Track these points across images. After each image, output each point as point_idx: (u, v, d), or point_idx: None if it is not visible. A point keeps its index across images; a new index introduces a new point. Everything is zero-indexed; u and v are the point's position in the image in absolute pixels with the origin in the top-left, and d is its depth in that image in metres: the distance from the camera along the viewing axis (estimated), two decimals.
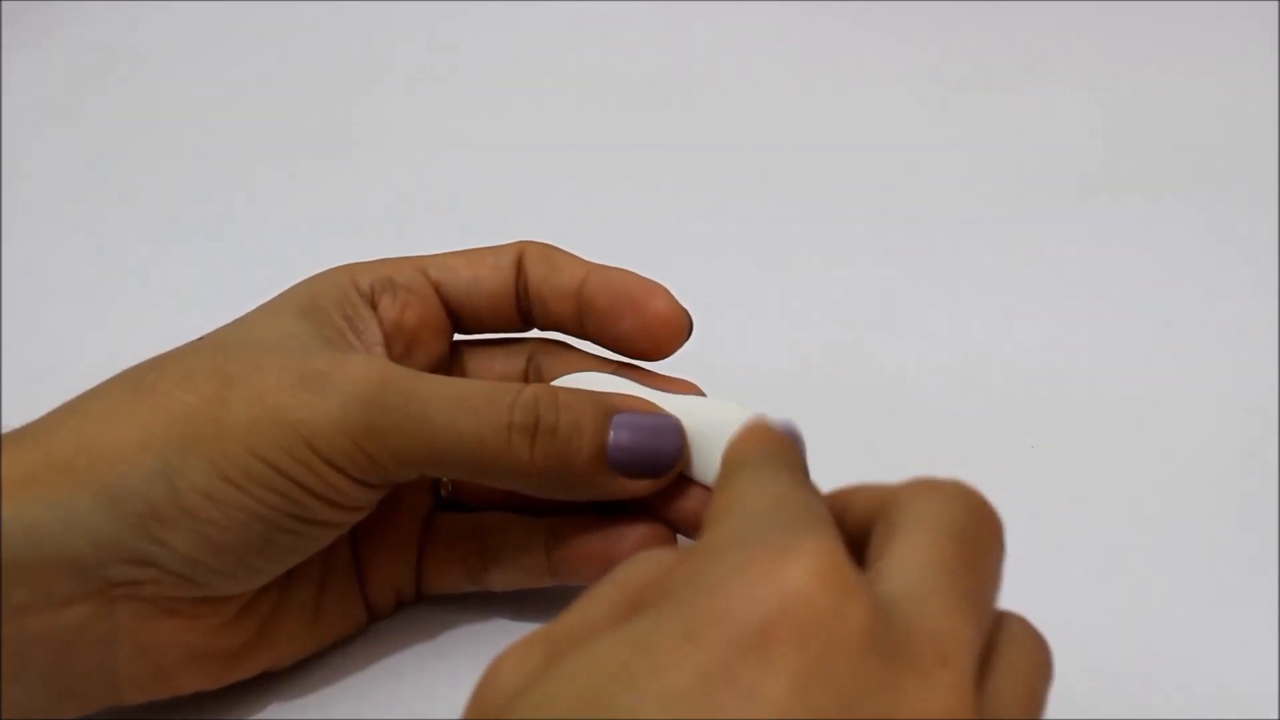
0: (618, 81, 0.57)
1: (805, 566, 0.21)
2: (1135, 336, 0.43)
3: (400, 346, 0.32)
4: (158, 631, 0.29)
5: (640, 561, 0.24)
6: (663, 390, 0.33)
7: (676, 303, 0.33)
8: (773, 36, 0.61)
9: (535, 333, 0.35)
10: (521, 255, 0.33)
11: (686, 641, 0.21)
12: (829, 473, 0.37)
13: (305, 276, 0.33)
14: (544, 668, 0.22)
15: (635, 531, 0.32)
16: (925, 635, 0.21)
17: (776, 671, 0.20)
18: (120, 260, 0.48)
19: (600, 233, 0.48)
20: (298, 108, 0.56)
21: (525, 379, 0.34)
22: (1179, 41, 0.58)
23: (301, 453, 0.28)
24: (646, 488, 0.31)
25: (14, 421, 0.30)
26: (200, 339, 0.31)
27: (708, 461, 0.32)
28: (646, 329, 0.33)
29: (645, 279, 0.33)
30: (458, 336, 0.34)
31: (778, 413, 0.34)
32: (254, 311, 0.32)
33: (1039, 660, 0.25)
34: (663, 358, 0.33)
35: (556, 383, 0.33)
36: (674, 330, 0.33)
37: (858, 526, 0.25)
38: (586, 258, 0.34)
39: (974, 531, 0.24)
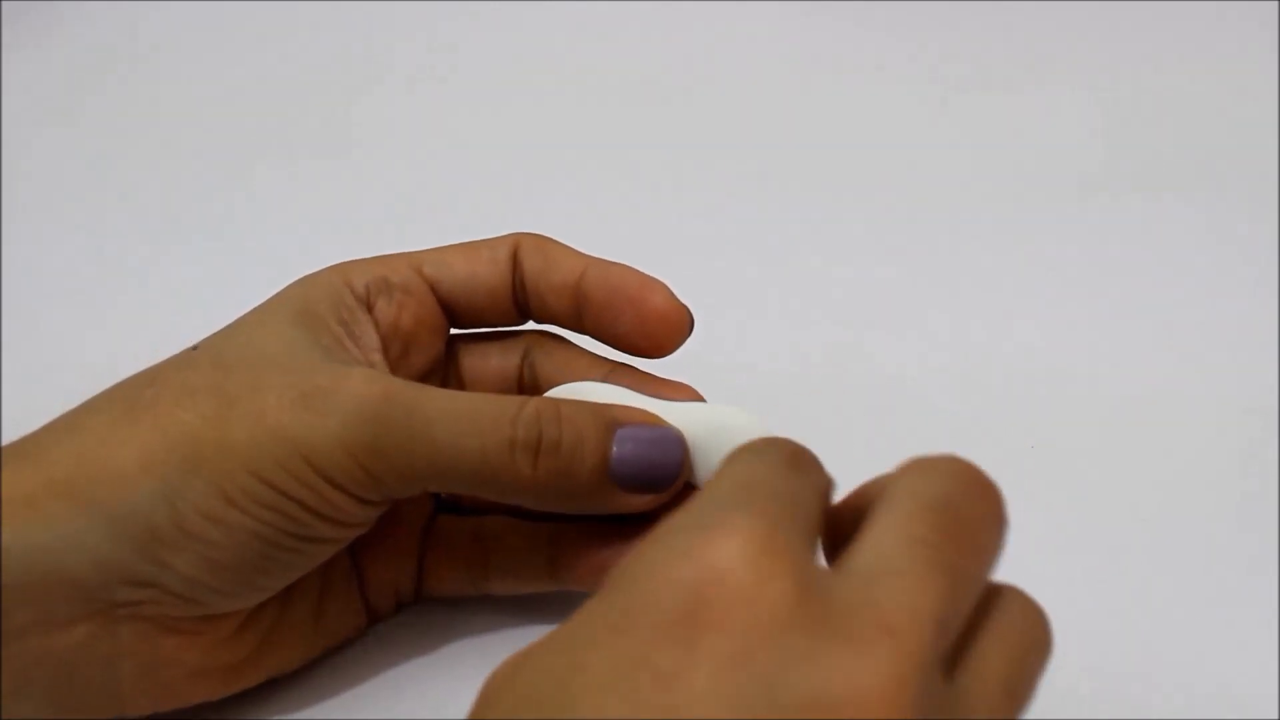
0: (618, 81, 0.57)
1: (729, 546, 0.21)
2: (1135, 336, 0.43)
3: (397, 348, 0.32)
4: (160, 649, 0.29)
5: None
6: (662, 396, 0.32)
7: (676, 299, 0.32)
8: (773, 36, 0.61)
9: (531, 325, 0.35)
10: (517, 248, 0.33)
11: (613, 633, 0.21)
12: (829, 472, 0.37)
13: (305, 274, 0.33)
14: (512, 675, 0.22)
15: (637, 537, 0.32)
16: (869, 606, 0.21)
17: (697, 657, 0.20)
18: (120, 260, 0.48)
19: (600, 232, 0.48)
20: (298, 108, 0.56)
21: (521, 375, 0.34)
22: (1179, 41, 0.58)
23: (303, 472, 0.28)
24: (649, 502, 0.31)
25: (14, 421, 0.30)
26: (196, 350, 0.31)
27: (710, 468, 0.32)
28: (646, 326, 0.32)
29: (644, 274, 0.33)
30: (453, 330, 0.34)
31: (778, 413, 0.34)
32: (248, 317, 0.32)
33: (1030, 630, 0.24)
34: (663, 355, 0.33)
35: (553, 392, 0.32)
36: (674, 327, 0.32)
37: (863, 513, 0.25)
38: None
39: (960, 503, 0.24)
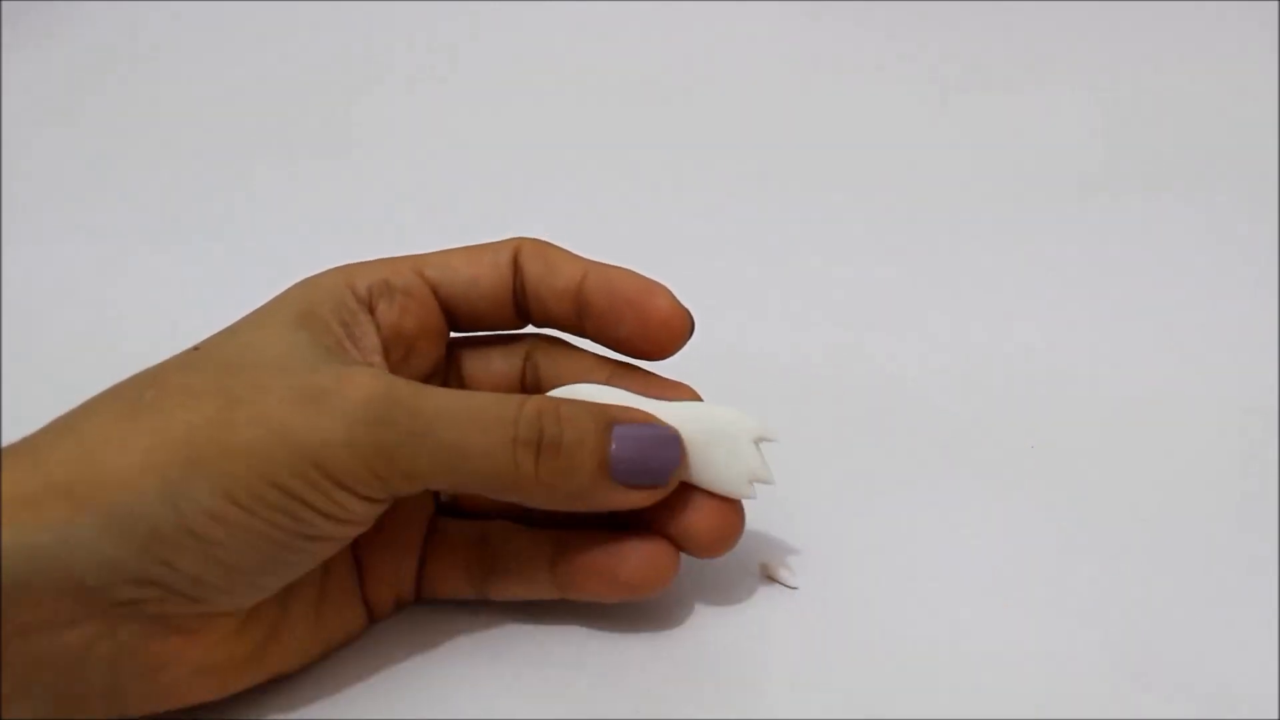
0: (618, 81, 0.57)
1: None
2: (1135, 336, 0.43)
3: (399, 352, 0.32)
4: (162, 649, 0.29)
5: None
6: (660, 397, 0.32)
7: (678, 302, 0.33)
8: (773, 36, 0.61)
9: (530, 329, 0.35)
10: (518, 252, 0.33)
11: None
12: (830, 472, 0.38)
13: (305, 276, 0.33)
14: None
15: (639, 548, 0.32)
16: None
17: None
18: (120, 260, 0.48)
19: (600, 233, 0.48)
20: (298, 108, 0.56)
21: (523, 378, 0.34)
22: (1179, 41, 0.58)
23: (308, 472, 0.28)
24: (646, 498, 0.31)
25: (14, 420, 0.30)
26: (196, 351, 0.31)
27: (708, 467, 0.32)
28: (648, 329, 0.32)
29: (645, 278, 0.33)
30: (453, 334, 0.34)
31: (778, 413, 0.34)
32: (249, 319, 0.32)
33: None
34: (664, 358, 0.33)
35: (553, 394, 0.32)
36: (675, 331, 0.33)
37: None
38: (587, 257, 0.34)
39: None
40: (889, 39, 0.60)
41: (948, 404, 0.40)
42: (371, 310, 0.32)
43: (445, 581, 0.33)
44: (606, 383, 0.33)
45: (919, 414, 0.40)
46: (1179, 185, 0.49)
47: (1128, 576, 0.34)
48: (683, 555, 0.32)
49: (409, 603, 0.34)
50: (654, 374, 0.34)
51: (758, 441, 0.32)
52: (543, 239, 0.34)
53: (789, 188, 0.51)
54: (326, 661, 0.33)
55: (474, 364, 0.34)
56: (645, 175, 0.52)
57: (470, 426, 0.29)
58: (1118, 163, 0.51)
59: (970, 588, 0.34)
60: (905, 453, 0.39)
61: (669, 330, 0.32)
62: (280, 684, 0.32)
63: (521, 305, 0.33)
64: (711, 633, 0.33)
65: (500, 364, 0.34)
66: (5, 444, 0.30)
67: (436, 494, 0.34)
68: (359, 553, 0.33)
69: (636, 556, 0.32)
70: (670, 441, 0.31)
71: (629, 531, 0.32)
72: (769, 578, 0.35)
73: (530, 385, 0.34)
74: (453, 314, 0.33)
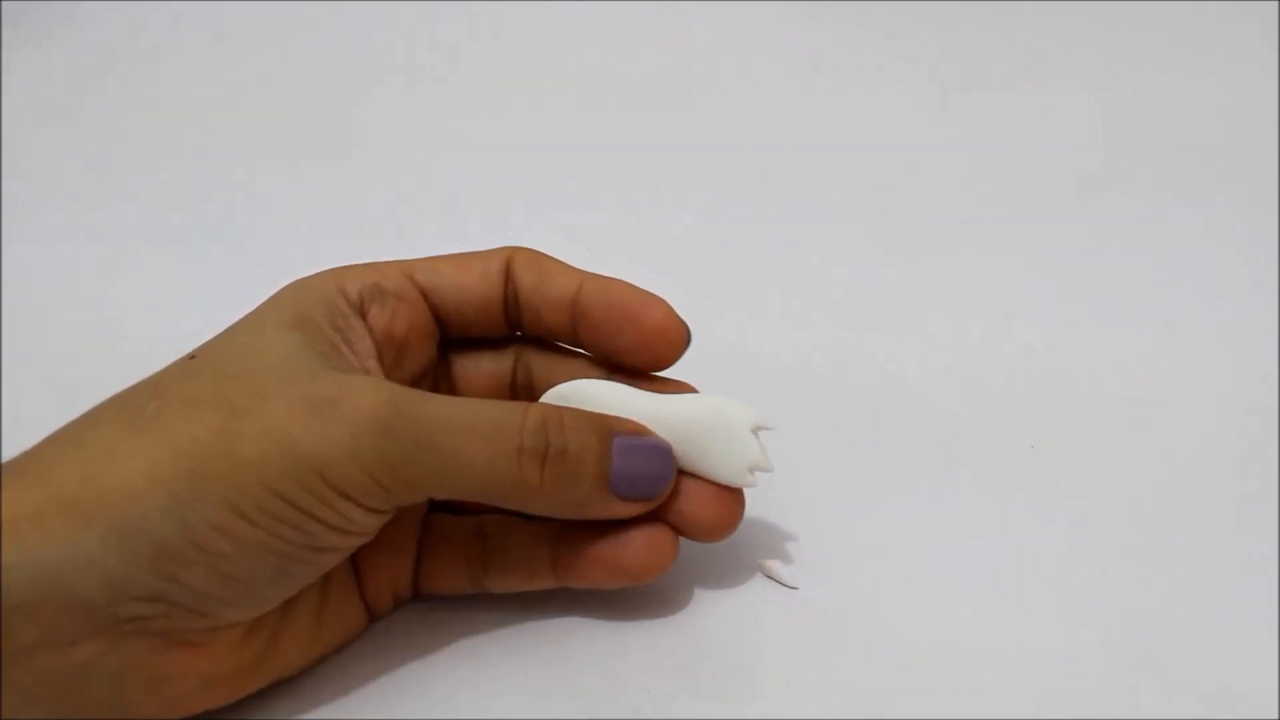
0: (618, 81, 0.57)
1: None
2: (1135, 336, 0.43)
3: (391, 354, 0.32)
4: (167, 662, 0.29)
5: None
6: (658, 390, 0.33)
7: (675, 315, 0.33)
8: (773, 36, 0.61)
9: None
10: (510, 262, 0.33)
11: None
12: (830, 472, 0.38)
13: (299, 277, 0.33)
14: None
15: (641, 535, 0.32)
16: None
17: None
18: (120, 260, 0.48)
19: (600, 232, 0.48)
20: (298, 108, 0.56)
21: (514, 378, 0.34)
22: (1179, 41, 0.58)
23: (313, 484, 0.28)
24: (638, 509, 0.32)
25: (14, 421, 0.30)
26: (194, 359, 0.31)
27: (708, 456, 0.32)
28: (645, 342, 0.32)
29: (643, 291, 0.33)
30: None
31: (779, 413, 0.34)
32: (243, 323, 0.31)
33: None
34: (661, 370, 0.33)
35: (552, 392, 0.33)
36: (672, 343, 0.33)
37: None
38: (588, 257, 0.34)
39: None
40: (889, 39, 0.60)
41: (948, 404, 0.40)
42: (363, 314, 0.32)
43: (443, 577, 0.34)
44: (605, 379, 0.33)
45: (919, 414, 0.40)
46: (1179, 185, 0.49)
47: (1128, 576, 0.34)
48: (683, 542, 0.33)
49: (407, 599, 0.34)
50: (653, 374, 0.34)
51: (756, 430, 0.32)
52: (536, 249, 0.34)
53: (789, 188, 0.51)
54: (327, 661, 0.33)
55: (465, 364, 0.34)
56: (645, 175, 0.52)
57: (475, 436, 0.29)
58: (1118, 163, 0.51)
59: (970, 588, 0.34)
60: (905, 453, 0.39)
61: (666, 342, 0.33)
62: (281, 686, 0.32)
63: (513, 315, 0.34)
64: (712, 634, 0.33)
65: (491, 365, 0.34)
66: (5, 444, 0.30)
67: None
68: (356, 553, 0.33)
69: (638, 543, 0.32)
70: (664, 456, 0.32)
71: (629, 519, 0.32)
72: (768, 577, 0.35)
73: (522, 383, 0.34)
74: (442, 320, 0.33)
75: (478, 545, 0.33)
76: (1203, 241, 0.47)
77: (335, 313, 0.31)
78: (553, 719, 0.31)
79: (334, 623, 0.32)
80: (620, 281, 0.33)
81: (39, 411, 0.30)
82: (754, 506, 0.33)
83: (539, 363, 0.34)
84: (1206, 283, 0.45)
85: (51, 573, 0.27)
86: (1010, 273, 0.46)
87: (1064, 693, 0.32)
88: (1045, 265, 0.46)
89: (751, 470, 0.32)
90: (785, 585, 0.34)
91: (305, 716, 0.32)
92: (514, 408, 0.30)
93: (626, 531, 0.32)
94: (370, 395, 0.29)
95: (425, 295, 0.33)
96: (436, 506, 0.34)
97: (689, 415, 0.32)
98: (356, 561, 0.33)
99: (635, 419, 0.32)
